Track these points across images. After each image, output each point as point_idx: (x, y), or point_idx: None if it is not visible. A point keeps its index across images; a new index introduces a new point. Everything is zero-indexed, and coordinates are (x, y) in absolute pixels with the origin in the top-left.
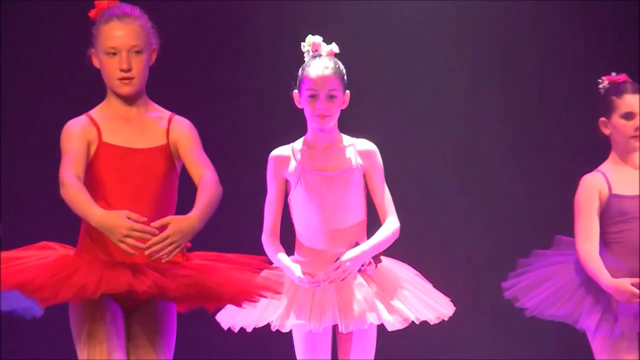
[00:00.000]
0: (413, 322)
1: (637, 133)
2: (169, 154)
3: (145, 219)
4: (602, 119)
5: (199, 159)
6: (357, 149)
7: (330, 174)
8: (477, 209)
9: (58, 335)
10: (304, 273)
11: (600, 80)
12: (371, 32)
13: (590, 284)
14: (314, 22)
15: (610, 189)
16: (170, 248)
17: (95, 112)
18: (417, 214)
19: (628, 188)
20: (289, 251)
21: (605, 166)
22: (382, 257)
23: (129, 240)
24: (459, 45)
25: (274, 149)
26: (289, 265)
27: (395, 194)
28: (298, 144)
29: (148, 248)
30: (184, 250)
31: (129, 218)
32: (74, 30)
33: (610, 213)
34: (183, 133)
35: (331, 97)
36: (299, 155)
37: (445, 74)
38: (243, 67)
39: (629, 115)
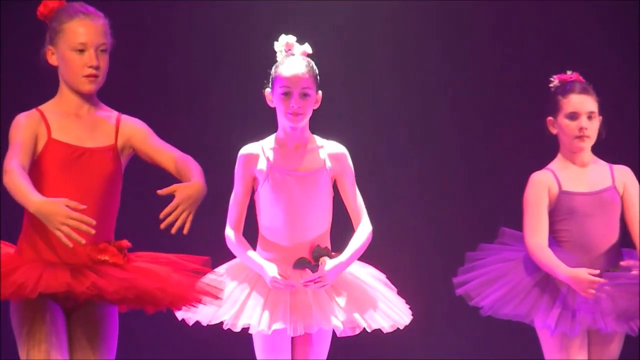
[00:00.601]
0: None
1: (582, 133)
2: (117, 155)
3: (84, 206)
4: (550, 118)
5: (163, 145)
6: (328, 152)
7: (301, 174)
8: (430, 207)
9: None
10: (279, 274)
11: (551, 79)
12: (339, 34)
13: (545, 282)
14: (282, 22)
15: (560, 186)
16: (184, 216)
17: (46, 108)
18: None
19: (577, 185)
20: (252, 245)
21: (554, 164)
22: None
23: (65, 228)
24: (426, 46)
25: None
26: (263, 264)
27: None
28: (268, 142)
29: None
30: (124, 250)
31: (67, 206)
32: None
33: (560, 210)
34: (136, 128)
35: (304, 95)
36: (269, 154)
37: (409, 76)
38: (215, 69)
39: (573, 116)
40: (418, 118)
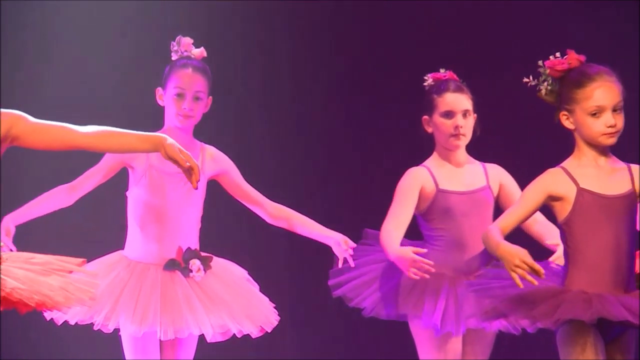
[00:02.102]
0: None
1: (457, 131)
2: None
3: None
4: (425, 117)
5: None
6: (210, 153)
7: (178, 176)
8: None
9: (59, 336)
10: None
11: (425, 78)
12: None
13: (425, 282)
14: (172, 24)
15: (436, 184)
16: None
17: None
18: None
19: (452, 184)
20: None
21: (429, 162)
22: (214, 257)
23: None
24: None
25: None
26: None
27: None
28: None
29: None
30: None
31: None
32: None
33: (436, 209)
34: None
35: (197, 98)
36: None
37: (289, 78)
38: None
39: (448, 114)
40: (297, 124)
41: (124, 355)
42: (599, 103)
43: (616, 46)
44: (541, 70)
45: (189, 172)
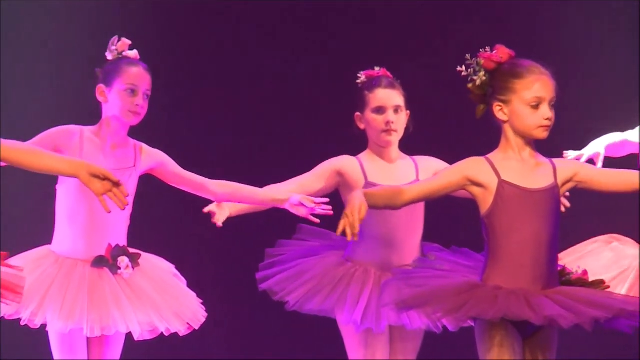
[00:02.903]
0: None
1: (389, 127)
2: None
3: None
4: (357, 113)
5: None
6: (143, 149)
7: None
8: None
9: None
10: None
11: (359, 75)
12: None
13: (350, 277)
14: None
15: (365, 176)
16: None
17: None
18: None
19: (383, 179)
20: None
21: (362, 156)
22: (142, 254)
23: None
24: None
25: None
26: None
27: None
28: (88, 132)
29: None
30: None
31: None
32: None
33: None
34: None
35: (146, 96)
36: (87, 146)
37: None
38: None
39: (380, 110)
40: (230, 118)
41: (51, 353)
42: (539, 94)
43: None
44: (475, 61)
45: (117, 187)
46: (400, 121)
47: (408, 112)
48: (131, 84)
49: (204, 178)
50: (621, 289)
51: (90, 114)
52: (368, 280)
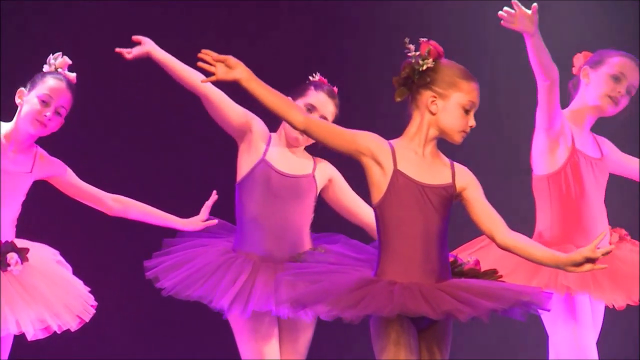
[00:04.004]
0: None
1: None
2: None
3: None
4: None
5: None
6: (43, 156)
7: (9, 175)
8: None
9: (59, 335)
10: None
11: (314, 75)
12: None
13: (229, 264)
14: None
15: (265, 153)
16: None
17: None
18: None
19: (279, 163)
20: None
21: (273, 135)
22: (29, 247)
23: None
24: None
25: None
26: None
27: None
28: (2, 129)
29: None
30: None
31: None
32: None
33: (256, 179)
34: None
35: (58, 113)
36: None
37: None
38: None
39: (311, 109)
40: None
41: None
42: (475, 101)
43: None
44: (427, 46)
45: None
46: None
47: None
48: (47, 95)
49: (101, 191)
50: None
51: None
52: (246, 268)
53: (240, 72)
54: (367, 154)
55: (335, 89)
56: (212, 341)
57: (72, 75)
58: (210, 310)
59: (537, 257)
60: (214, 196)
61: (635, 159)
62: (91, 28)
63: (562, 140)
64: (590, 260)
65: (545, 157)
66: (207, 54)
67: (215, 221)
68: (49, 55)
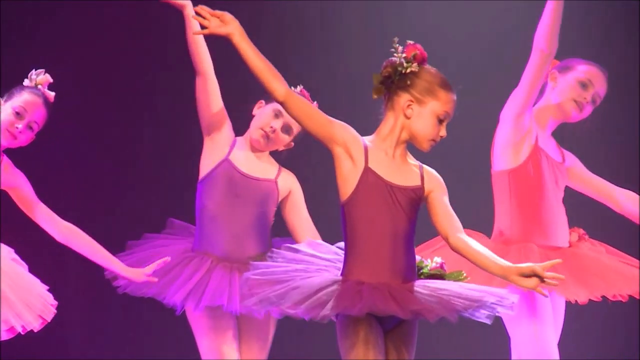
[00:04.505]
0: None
1: (268, 132)
2: None
3: None
4: (262, 100)
5: None
6: (7, 166)
7: None
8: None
9: (58, 336)
10: None
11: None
12: None
13: (187, 262)
14: None
15: (229, 152)
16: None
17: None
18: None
19: (242, 164)
20: None
21: (239, 138)
22: None
23: None
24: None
25: None
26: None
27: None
28: None
29: None
30: None
31: None
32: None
33: (218, 176)
34: None
35: (30, 128)
36: None
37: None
38: None
39: (277, 114)
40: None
41: None
42: (450, 112)
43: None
44: (413, 49)
45: None
46: (280, 138)
47: (292, 143)
48: (21, 107)
49: (55, 215)
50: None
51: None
52: (202, 266)
53: (233, 28)
54: (340, 144)
55: (315, 104)
56: (173, 340)
57: (51, 94)
58: (171, 309)
59: (485, 265)
60: (165, 259)
61: (600, 179)
62: (91, 28)
63: (527, 137)
64: (538, 277)
65: (508, 152)
66: (203, 9)
67: (155, 280)
68: (48, 55)
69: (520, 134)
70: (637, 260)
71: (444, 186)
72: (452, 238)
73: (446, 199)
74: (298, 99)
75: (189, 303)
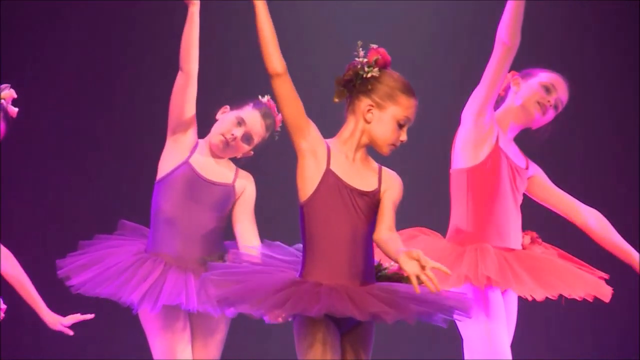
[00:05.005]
0: None
1: (228, 139)
2: None
3: None
4: (227, 106)
5: None
6: None
7: None
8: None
9: (59, 336)
10: None
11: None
12: None
13: (141, 263)
14: None
15: (190, 155)
16: None
17: None
18: None
19: (201, 167)
20: None
21: (201, 140)
22: None
23: None
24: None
25: None
26: None
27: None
28: None
29: None
30: None
31: None
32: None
33: (177, 178)
34: None
35: None
36: None
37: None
38: None
39: (240, 121)
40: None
41: None
42: (410, 117)
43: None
44: (376, 54)
45: None
46: (240, 146)
47: (251, 152)
48: None
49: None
50: None
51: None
52: (157, 267)
53: None
54: (309, 141)
55: (280, 117)
56: (124, 339)
57: (14, 109)
58: (121, 308)
59: (388, 252)
60: (88, 315)
61: (563, 193)
62: (90, 29)
63: (487, 136)
64: (420, 264)
65: (468, 150)
66: None
67: (71, 333)
68: (49, 55)
69: (481, 132)
70: (588, 265)
71: (398, 187)
72: (376, 233)
73: (393, 199)
74: (289, 81)
75: (145, 303)
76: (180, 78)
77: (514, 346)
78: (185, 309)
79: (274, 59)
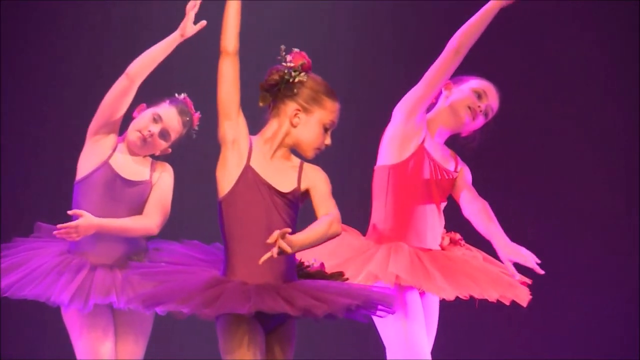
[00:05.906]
0: None
1: (145, 136)
2: None
3: None
4: (143, 106)
5: None
6: None
7: None
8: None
9: (58, 336)
10: None
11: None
12: None
13: (66, 264)
14: None
15: (110, 156)
16: None
17: None
18: None
19: (120, 168)
20: None
21: (118, 147)
22: None
23: None
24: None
25: None
26: None
27: None
28: None
29: None
30: None
31: None
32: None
33: (98, 178)
34: None
35: None
36: None
37: None
38: None
39: (157, 118)
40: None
41: None
42: (335, 121)
43: None
44: (301, 59)
45: None
46: (157, 143)
47: (169, 149)
48: None
49: None
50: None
51: None
52: (83, 267)
53: None
54: (234, 129)
55: (197, 115)
56: (51, 339)
57: None
58: (49, 308)
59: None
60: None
61: (470, 189)
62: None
63: (415, 136)
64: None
65: (393, 147)
66: None
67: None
68: (48, 55)
69: (409, 131)
70: (511, 271)
71: (323, 181)
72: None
73: (324, 191)
74: (236, 65)
75: (76, 302)
76: (124, 81)
77: (514, 346)
78: (117, 307)
79: (230, 37)
